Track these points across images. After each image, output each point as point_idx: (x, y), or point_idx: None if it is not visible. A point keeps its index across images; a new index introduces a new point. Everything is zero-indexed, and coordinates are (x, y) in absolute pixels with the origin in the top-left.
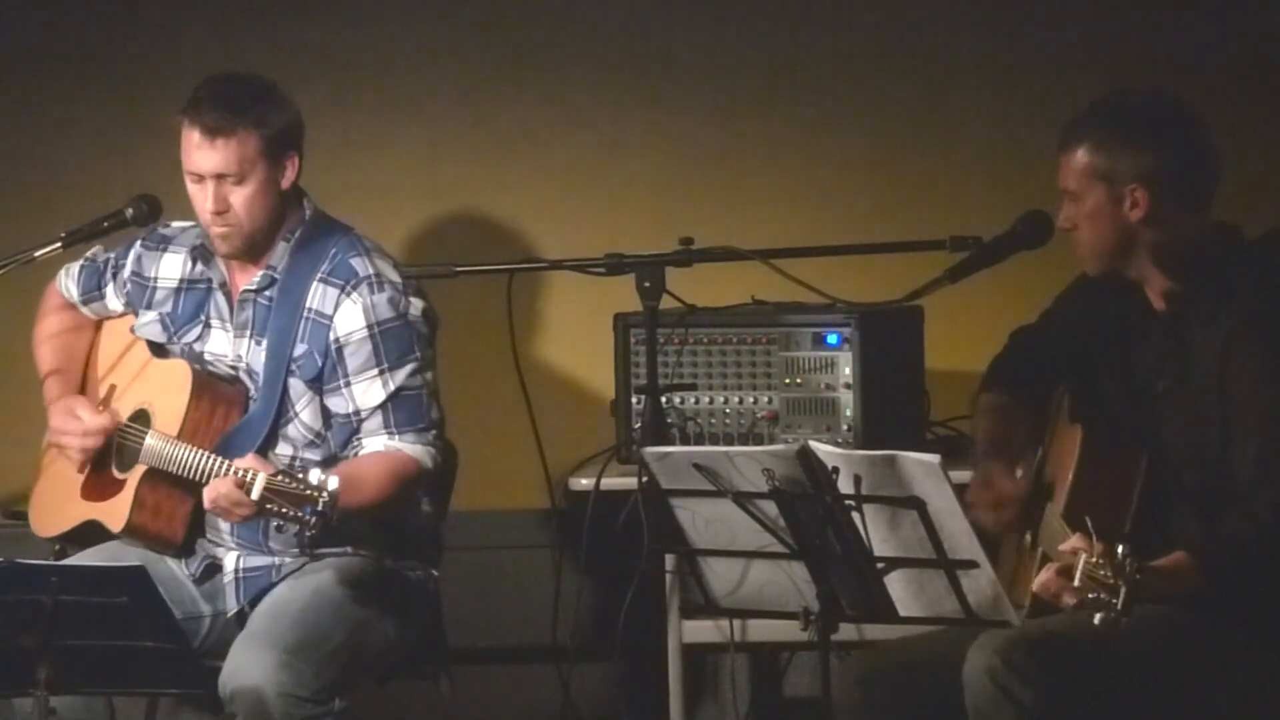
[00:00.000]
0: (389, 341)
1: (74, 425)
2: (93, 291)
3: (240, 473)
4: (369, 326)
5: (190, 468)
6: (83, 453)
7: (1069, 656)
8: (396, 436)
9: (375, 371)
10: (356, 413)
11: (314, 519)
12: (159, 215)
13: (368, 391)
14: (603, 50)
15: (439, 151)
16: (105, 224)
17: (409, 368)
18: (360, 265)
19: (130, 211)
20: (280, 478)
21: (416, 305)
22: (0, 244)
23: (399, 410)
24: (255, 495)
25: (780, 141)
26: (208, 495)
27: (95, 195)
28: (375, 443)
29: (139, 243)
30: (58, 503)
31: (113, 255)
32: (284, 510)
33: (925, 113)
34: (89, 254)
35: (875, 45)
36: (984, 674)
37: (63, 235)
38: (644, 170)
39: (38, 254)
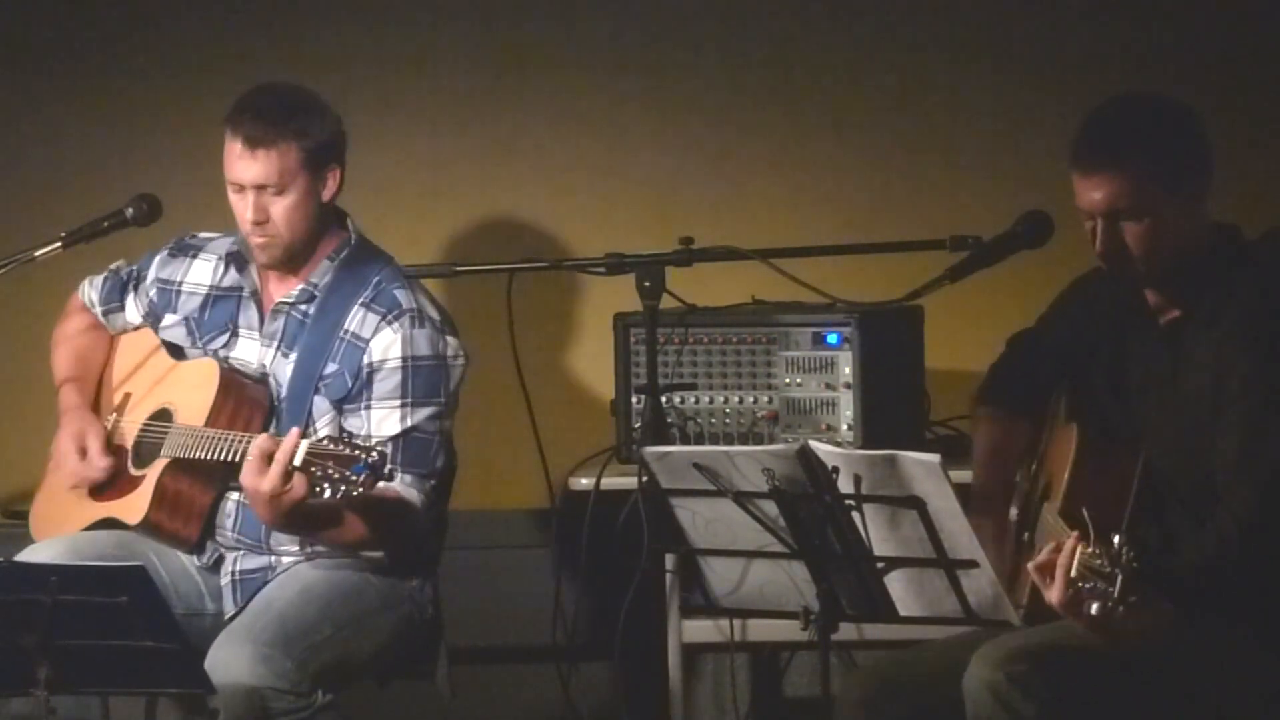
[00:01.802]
0: (419, 378)
1: (77, 465)
2: (114, 303)
3: None
4: (404, 358)
5: (221, 448)
6: (81, 483)
7: (1072, 670)
8: (397, 474)
9: (397, 402)
10: (369, 437)
11: (364, 476)
12: (159, 215)
13: (385, 420)
14: (603, 51)
15: (439, 151)
16: (105, 224)
17: (430, 410)
18: (404, 297)
19: (130, 211)
20: (325, 442)
21: (453, 345)
22: (0, 244)
23: (408, 449)
24: (298, 462)
25: (780, 141)
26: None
27: (95, 195)
28: None
29: (164, 251)
30: (64, 510)
31: (135, 267)
32: (330, 473)
33: (925, 113)
34: (112, 266)
35: (875, 45)
36: (985, 688)
37: (63, 235)
38: (644, 170)
39: (38, 254)
